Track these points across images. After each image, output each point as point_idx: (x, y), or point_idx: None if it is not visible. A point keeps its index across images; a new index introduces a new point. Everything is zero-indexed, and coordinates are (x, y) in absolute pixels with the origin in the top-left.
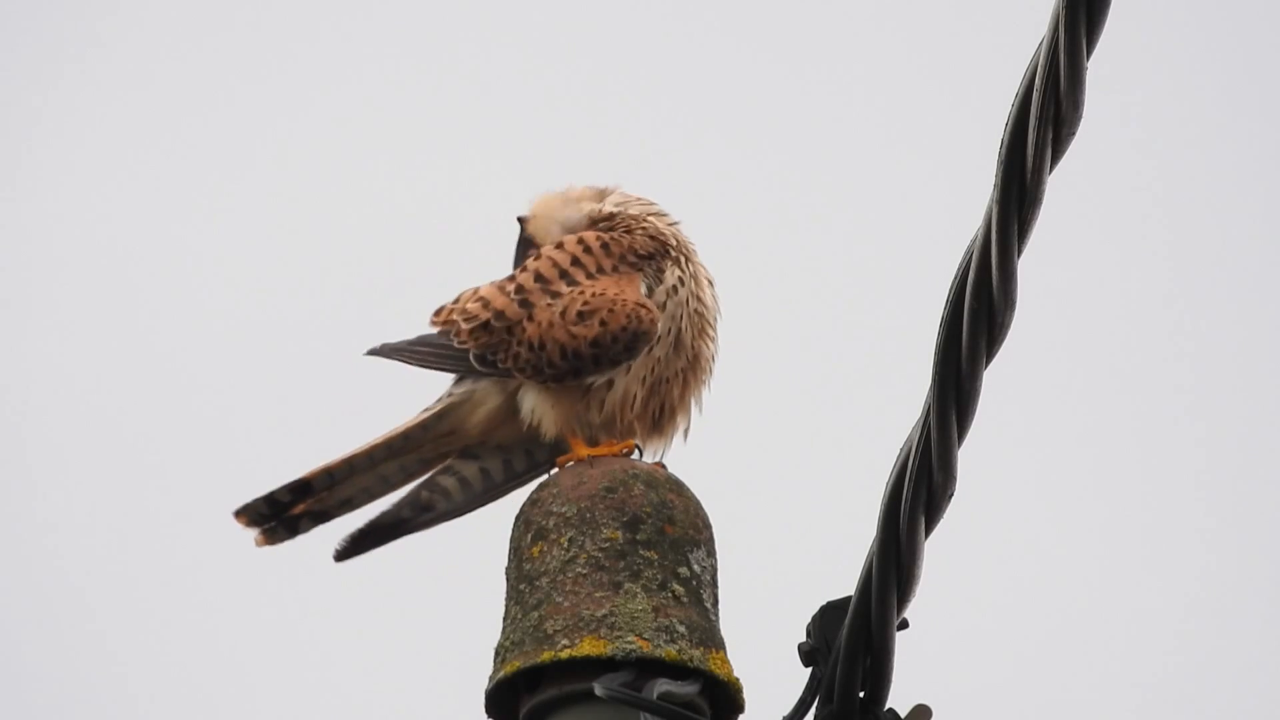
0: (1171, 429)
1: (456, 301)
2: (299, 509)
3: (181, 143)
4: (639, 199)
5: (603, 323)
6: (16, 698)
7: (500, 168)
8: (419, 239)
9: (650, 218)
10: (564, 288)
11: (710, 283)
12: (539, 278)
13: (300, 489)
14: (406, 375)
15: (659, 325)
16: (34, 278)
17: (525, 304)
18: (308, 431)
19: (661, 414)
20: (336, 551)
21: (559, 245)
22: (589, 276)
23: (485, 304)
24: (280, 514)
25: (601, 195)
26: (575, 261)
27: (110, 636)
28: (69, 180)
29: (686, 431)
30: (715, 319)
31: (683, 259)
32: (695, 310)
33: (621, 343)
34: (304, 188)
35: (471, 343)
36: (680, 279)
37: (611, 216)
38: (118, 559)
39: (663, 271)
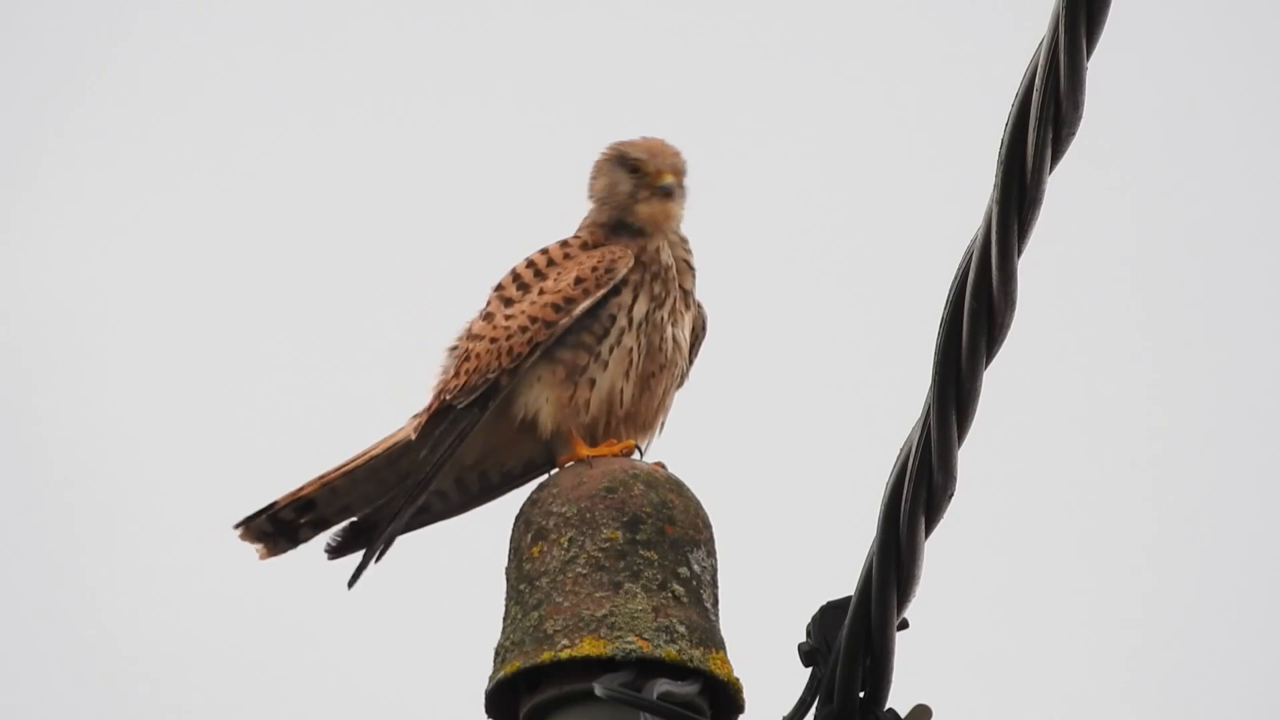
0: (1172, 428)
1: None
2: (301, 520)
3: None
4: None
5: (578, 263)
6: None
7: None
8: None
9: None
10: (514, 293)
11: (676, 243)
12: (498, 287)
13: (304, 505)
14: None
15: (628, 254)
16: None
17: (488, 316)
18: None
19: (651, 410)
20: (329, 548)
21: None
22: (549, 263)
23: (465, 336)
24: (282, 526)
25: None
26: (529, 264)
27: (109, 639)
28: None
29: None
30: (690, 270)
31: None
32: (664, 269)
33: (601, 268)
34: (315, 190)
35: (464, 379)
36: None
37: None
38: (116, 559)
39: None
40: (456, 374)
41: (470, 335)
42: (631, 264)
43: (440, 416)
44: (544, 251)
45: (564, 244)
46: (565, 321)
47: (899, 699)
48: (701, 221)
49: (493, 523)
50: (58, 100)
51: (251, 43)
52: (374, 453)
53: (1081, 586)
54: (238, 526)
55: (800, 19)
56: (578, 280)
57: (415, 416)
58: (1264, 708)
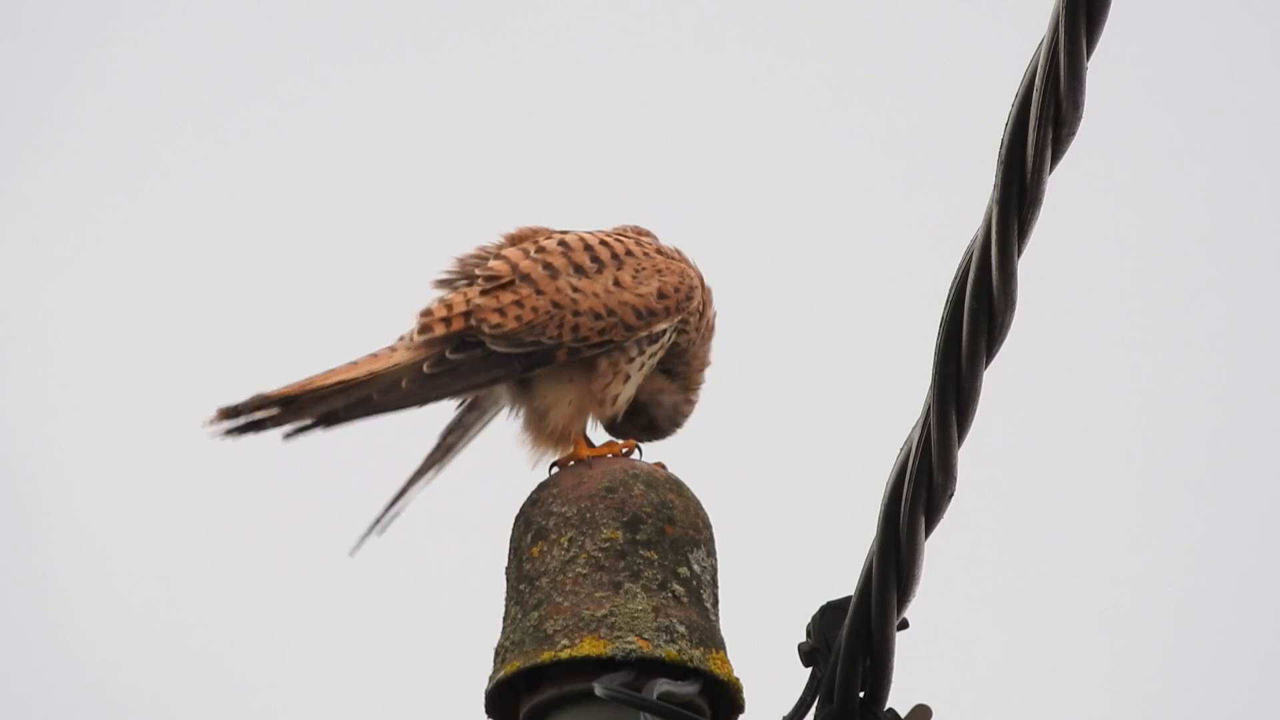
0: (1172, 428)
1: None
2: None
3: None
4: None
5: (658, 271)
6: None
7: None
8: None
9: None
10: (586, 261)
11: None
12: (564, 245)
13: (286, 401)
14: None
15: (699, 281)
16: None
17: (549, 267)
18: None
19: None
20: (285, 432)
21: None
22: (626, 253)
23: (510, 267)
24: (259, 422)
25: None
26: (602, 242)
27: (105, 635)
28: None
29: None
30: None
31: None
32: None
33: (683, 291)
34: (310, 195)
35: (512, 324)
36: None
37: None
38: (112, 552)
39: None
40: (500, 310)
41: (520, 272)
42: (704, 293)
43: (464, 345)
44: (620, 239)
45: (633, 235)
46: (644, 334)
47: (899, 699)
48: (701, 222)
49: (493, 522)
50: (49, 111)
51: (229, 46)
52: (375, 369)
53: (1081, 586)
54: (223, 411)
55: (800, 19)
56: (661, 295)
57: (422, 316)
58: (1263, 706)
